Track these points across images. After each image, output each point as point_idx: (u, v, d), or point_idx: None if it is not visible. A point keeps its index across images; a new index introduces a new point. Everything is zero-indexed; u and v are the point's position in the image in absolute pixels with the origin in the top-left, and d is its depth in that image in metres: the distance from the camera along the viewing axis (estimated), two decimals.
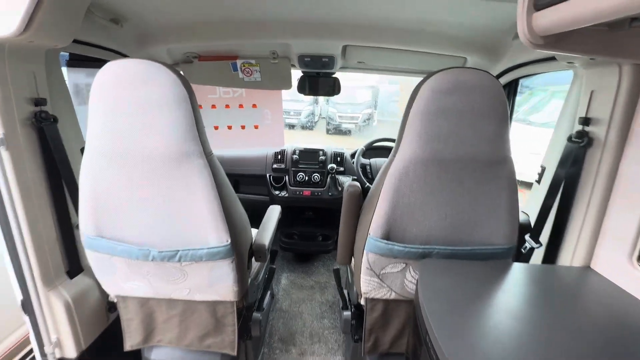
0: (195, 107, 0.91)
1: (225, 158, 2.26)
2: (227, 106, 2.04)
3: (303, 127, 10.16)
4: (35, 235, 1.02)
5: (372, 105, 10.25)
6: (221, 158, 2.35)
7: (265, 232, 1.36)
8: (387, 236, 1.01)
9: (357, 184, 1.19)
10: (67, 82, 1.30)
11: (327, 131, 10.04)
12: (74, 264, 1.19)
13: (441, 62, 1.61)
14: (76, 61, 1.42)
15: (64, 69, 1.35)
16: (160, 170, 0.93)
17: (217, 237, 1.00)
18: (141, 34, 1.53)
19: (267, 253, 1.30)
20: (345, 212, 1.18)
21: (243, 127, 2.08)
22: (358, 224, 1.19)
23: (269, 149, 2.18)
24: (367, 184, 2.03)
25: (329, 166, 2.16)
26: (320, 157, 2.23)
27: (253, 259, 1.30)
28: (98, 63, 1.58)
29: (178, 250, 1.02)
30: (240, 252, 1.12)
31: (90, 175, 0.96)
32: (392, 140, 2.11)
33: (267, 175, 2.24)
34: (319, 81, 1.88)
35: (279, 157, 2.23)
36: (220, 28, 1.49)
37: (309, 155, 2.23)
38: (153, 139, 0.89)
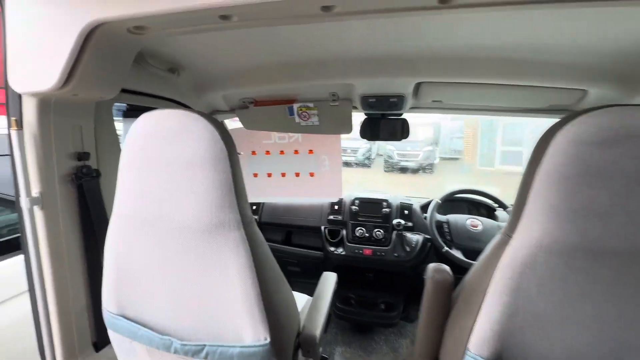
0: (235, 167, 0.72)
1: (277, 206, 2.08)
2: (281, 152, 1.90)
3: (360, 165, 9.99)
4: (62, 302, 0.93)
5: (433, 142, 9.75)
6: (273, 206, 2.18)
7: (318, 314, 1.07)
8: (499, 357, 0.64)
9: (447, 268, 0.84)
10: (121, 133, 1.26)
11: (385, 169, 9.72)
12: (102, 335, 1.03)
13: (549, 96, 1.25)
14: (133, 112, 1.40)
15: (120, 120, 1.33)
16: (191, 243, 0.73)
17: (253, 333, 0.76)
18: (198, 81, 1.49)
19: (318, 348, 1.00)
20: (430, 307, 0.83)
21: (297, 175, 1.91)
22: (446, 323, 0.83)
23: (325, 199, 1.95)
24: (445, 247, 1.63)
25: (395, 221, 1.83)
26: (384, 210, 1.91)
27: (300, 352, 1.01)
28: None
29: (204, 345, 0.79)
30: (283, 349, 0.85)
31: (114, 242, 0.82)
32: (479, 194, 1.71)
33: (322, 227, 1.99)
34: (385, 124, 1.63)
35: (336, 207, 1.97)
36: (277, 72, 1.37)
37: (371, 207, 1.93)
38: (184, 205, 0.72)
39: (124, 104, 1.41)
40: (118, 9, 0.70)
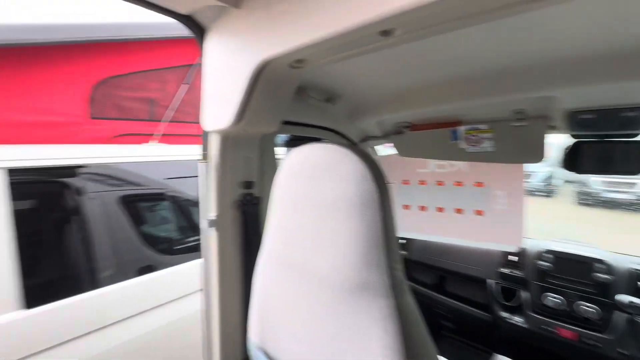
0: (387, 215, 0.56)
1: (430, 244, 1.78)
2: (439, 183, 1.62)
3: (538, 193, 7.93)
4: (224, 308, 1.03)
5: None
6: (425, 243, 1.89)
7: None
8: None
9: None
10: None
11: (580, 201, 7.22)
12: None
13: None
14: (294, 141, 1.49)
15: (283, 150, 1.44)
16: (329, 300, 0.62)
17: None
18: (352, 108, 1.45)
19: None
20: None
21: (459, 211, 1.57)
22: None
23: (497, 244, 1.51)
24: None
25: (622, 298, 1.19)
26: (598, 275, 1.29)
27: None
28: (314, 141, 1.65)
29: None
30: None
31: (261, 273, 0.83)
32: None
33: (491, 282, 1.54)
34: (610, 151, 1.09)
35: (514, 259, 1.49)
36: (440, 91, 1.15)
37: (574, 267, 1.35)
38: (325, 253, 0.61)
39: (287, 135, 1.53)
40: (280, 46, 0.70)
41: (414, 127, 1.46)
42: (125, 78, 2.16)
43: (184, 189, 2.17)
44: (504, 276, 1.52)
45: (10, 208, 1.47)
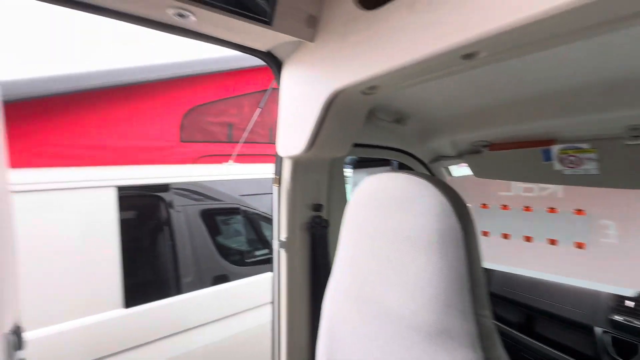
0: (472, 253, 0.50)
1: (513, 276, 1.57)
2: (527, 208, 1.42)
3: None
4: (290, 324, 1.05)
5: None
6: (506, 276, 1.67)
7: None
8: None
9: None
10: (350, 182, 1.35)
11: None
12: None
13: None
14: (361, 163, 1.48)
15: (350, 171, 1.44)
16: (403, 344, 0.57)
17: None
18: (423, 128, 1.39)
19: None
20: None
21: (553, 243, 1.35)
22: None
23: (605, 285, 1.25)
24: None
25: None
26: None
27: None
28: (381, 162, 1.61)
29: None
30: None
31: (330, 302, 0.81)
32: None
33: (599, 330, 1.28)
34: None
35: (632, 305, 1.22)
36: (527, 107, 1.03)
37: None
38: (399, 292, 0.58)
39: (354, 156, 1.53)
40: (354, 76, 0.71)
41: (493, 146, 1.33)
42: (209, 106, 2.44)
43: (255, 204, 2.31)
44: (618, 325, 1.25)
45: (118, 218, 1.74)
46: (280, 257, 1.06)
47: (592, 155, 1.09)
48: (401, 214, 0.56)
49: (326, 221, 1.10)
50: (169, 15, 0.70)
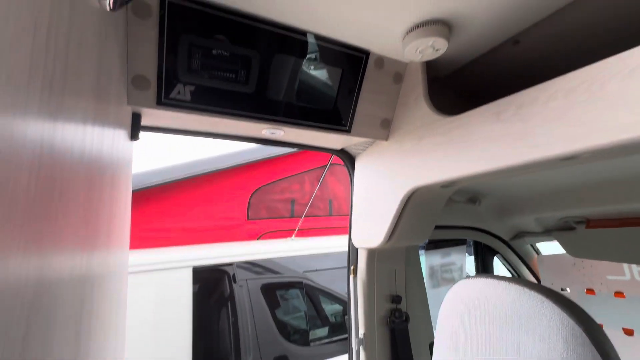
0: None
1: None
2: None
3: None
4: None
5: None
6: None
7: None
8: None
9: None
10: (423, 266, 1.27)
11: None
12: None
13: None
14: (433, 244, 1.40)
15: (422, 254, 1.36)
16: None
17: None
18: (500, 205, 1.30)
19: None
20: None
21: None
22: None
23: None
24: None
25: None
26: None
27: None
28: (455, 242, 1.51)
29: None
30: None
31: None
32: None
33: None
34: None
35: None
36: (630, 186, 0.92)
37: None
38: None
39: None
40: (433, 176, 0.72)
41: (590, 223, 1.18)
42: (274, 185, 2.64)
43: (318, 280, 2.27)
44: None
45: (191, 293, 1.82)
46: (360, 356, 0.98)
47: None
48: (516, 334, 0.50)
49: (406, 315, 1.02)
50: (263, 133, 0.81)
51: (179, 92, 0.61)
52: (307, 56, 0.69)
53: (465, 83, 0.94)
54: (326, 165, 2.75)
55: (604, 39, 0.70)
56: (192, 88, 0.62)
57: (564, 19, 0.65)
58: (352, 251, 1.04)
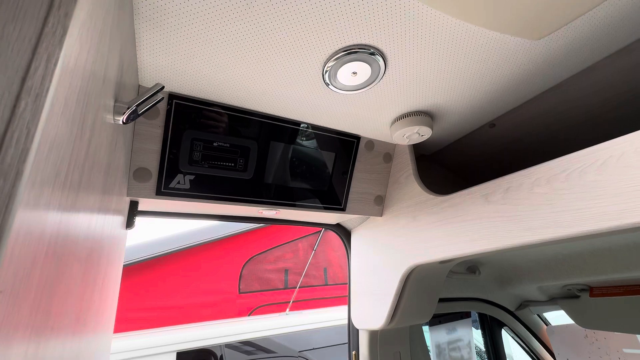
0: None
1: None
2: None
3: None
4: None
5: None
6: None
7: None
8: None
9: None
10: (428, 342, 1.18)
11: None
12: None
13: None
14: (437, 318, 1.33)
15: (426, 330, 1.28)
16: None
17: None
18: (502, 275, 1.27)
19: None
20: None
21: None
22: None
23: None
24: None
25: None
26: None
27: None
28: (458, 314, 1.44)
29: None
30: None
31: None
32: None
33: None
34: None
35: None
36: (629, 254, 0.93)
37: None
38: None
39: None
40: (431, 255, 0.71)
41: (594, 291, 1.15)
42: (267, 253, 2.55)
43: (316, 359, 2.06)
44: None
45: None
46: None
47: None
48: None
49: None
50: (261, 214, 0.82)
51: (178, 182, 0.63)
52: (303, 143, 0.74)
53: (451, 159, 0.99)
54: (320, 231, 2.71)
55: (573, 128, 0.77)
56: (192, 177, 0.64)
57: (534, 107, 0.73)
58: (353, 333, 0.97)
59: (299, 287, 2.47)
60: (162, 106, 0.59)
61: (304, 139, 0.74)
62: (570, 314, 1.26)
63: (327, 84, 0.58)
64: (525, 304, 1.38)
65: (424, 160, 0.99)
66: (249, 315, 2.36)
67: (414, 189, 0.79)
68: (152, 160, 0.60)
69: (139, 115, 0.42)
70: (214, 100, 0.63)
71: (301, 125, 0.72)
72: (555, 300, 1.29)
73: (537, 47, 0.55)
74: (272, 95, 0.62)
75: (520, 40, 0.52)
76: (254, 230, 2.58)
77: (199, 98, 0.61)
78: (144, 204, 0.67)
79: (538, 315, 1.43)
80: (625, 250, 0.93)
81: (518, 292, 1.32)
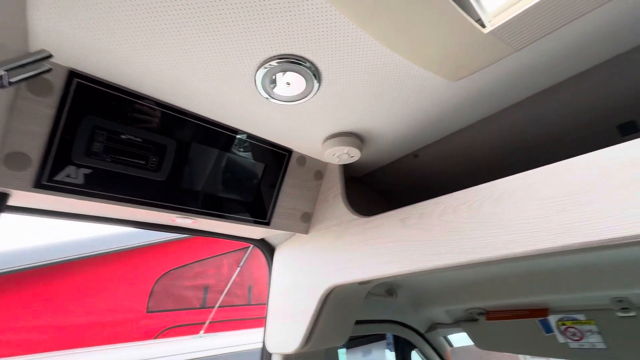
0: None
1: None
2: None
3: None
4: None
5: None
6: None
7: None
8: None
9: None
10: None
11: None
12: None
13: None
14: (353, 341, 1.34)
15: (342, 352, 1.28)
16: None
17: None
18: (416, 298, 1.35)
19: None
20: None
21: None
22: None
23: None
24: None
25: None
26: None
27: None
28: (375, 337, 1.48)
29: None
30: None
31: None
32: None
33: None
34: None
35: None
36: (521, 281, 1.06)
37: None
38: None
39: None
40: (351, 275, 0.72)
41: (489, 314, 1.28)
42: (185, 268, 2.33)
43: None
44: None
45: None
46: None
47: (592, 327, 1.07)
48: None
49: None
50: (175, 222, 0.74)
51: (68, 175, 0.53)
52: (230, 149, 0.69)
53: (378, 183, 1.04)
54: (249, 247, 2.59)
55: (482, 165, 0.87)
56: (89, 172, 0.54)
57: (453, 142, 0.80)
58: (266, 358, 0.91)
59: (218, 307, 2.29)
60: (59, 83, 0.50)
61: (232, 145, 0.70)
62: (470, 335, 1.39)
63: (259, 91, 0.56)
64: (434, 326, 1.47)
65: (355, 181, 1.02)
66: (155, 337, 2.09)
67: (340, 208, 0.80)
68: (34, 145, 0.50)
69: (11, 84, 0.34)
70: (130, 88, 0.55)
71: (230, 131, 0.68)
72: (459, 323, 1.41)
73: (452, 89, 0.61)
74: (199, 94, 0.57)
75: (439, 80, 0.58)
76: (175, 242, 2.34)
77: (110, 82, 0.54)
78: (17, 198, 0.55)
79: (444, 337, 1.54)
80: (516, 277, 1.06)
81: (429, 315, 1.41)
